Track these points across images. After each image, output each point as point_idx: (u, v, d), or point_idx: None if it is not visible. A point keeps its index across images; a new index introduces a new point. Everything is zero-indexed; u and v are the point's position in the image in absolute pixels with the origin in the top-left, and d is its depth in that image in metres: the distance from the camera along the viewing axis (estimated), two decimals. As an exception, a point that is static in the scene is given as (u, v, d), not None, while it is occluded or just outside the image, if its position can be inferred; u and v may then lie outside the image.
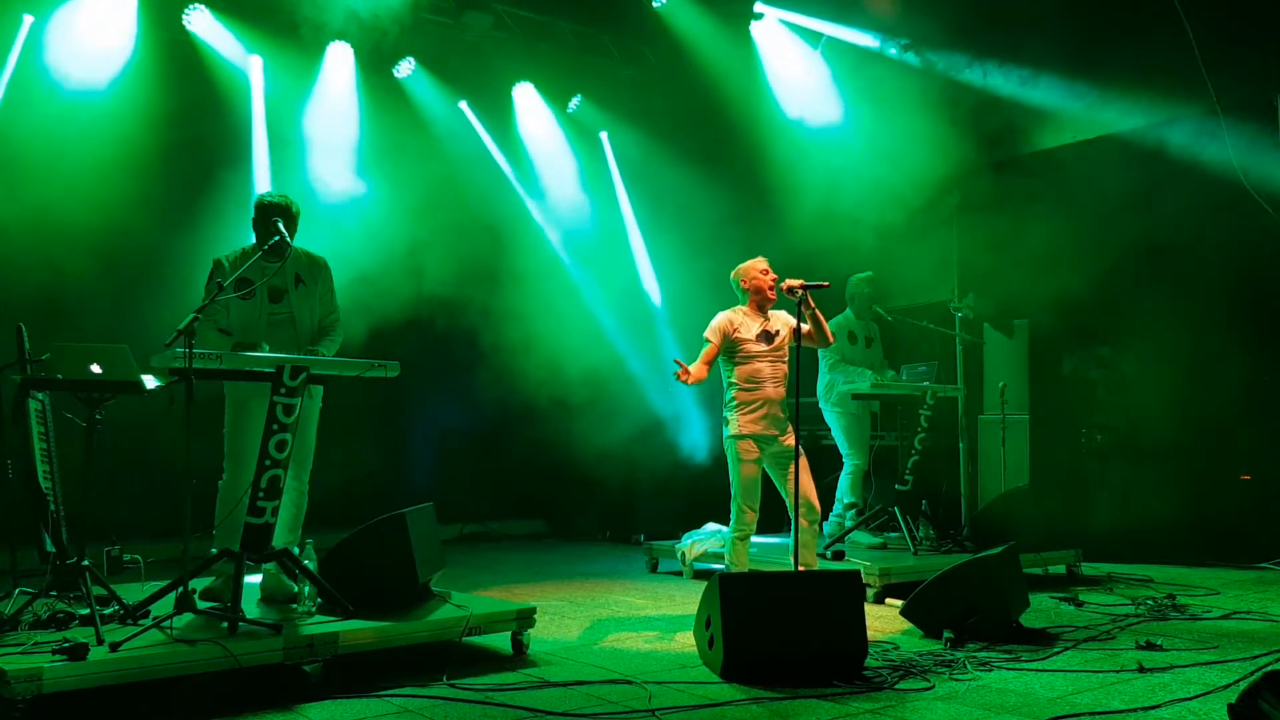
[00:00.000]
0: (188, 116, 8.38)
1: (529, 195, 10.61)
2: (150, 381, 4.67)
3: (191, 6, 8.38)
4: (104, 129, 7.87)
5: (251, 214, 5.13)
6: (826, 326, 5.63)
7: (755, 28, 9.50)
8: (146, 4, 8.29)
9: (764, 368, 5.52)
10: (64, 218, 7.56)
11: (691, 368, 5.39)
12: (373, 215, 8.99)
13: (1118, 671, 4.55)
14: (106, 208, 7.57)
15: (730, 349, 5.55)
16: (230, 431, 5.09)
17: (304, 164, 9.07)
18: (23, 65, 7.93)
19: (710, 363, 5.55)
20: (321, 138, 9.13)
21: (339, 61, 9.20)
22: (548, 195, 10.63)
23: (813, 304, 5.44)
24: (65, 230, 7.60)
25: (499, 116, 10.36)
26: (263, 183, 8.86)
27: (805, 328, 5.51)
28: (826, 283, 5.44)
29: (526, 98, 10.33)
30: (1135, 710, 3.95)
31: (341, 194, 9.08)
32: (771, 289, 5.62)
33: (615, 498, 10.54)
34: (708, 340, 5.57)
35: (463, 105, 10.16)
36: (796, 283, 5.34)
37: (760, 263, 5.69)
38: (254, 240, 5.12)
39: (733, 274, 5.73)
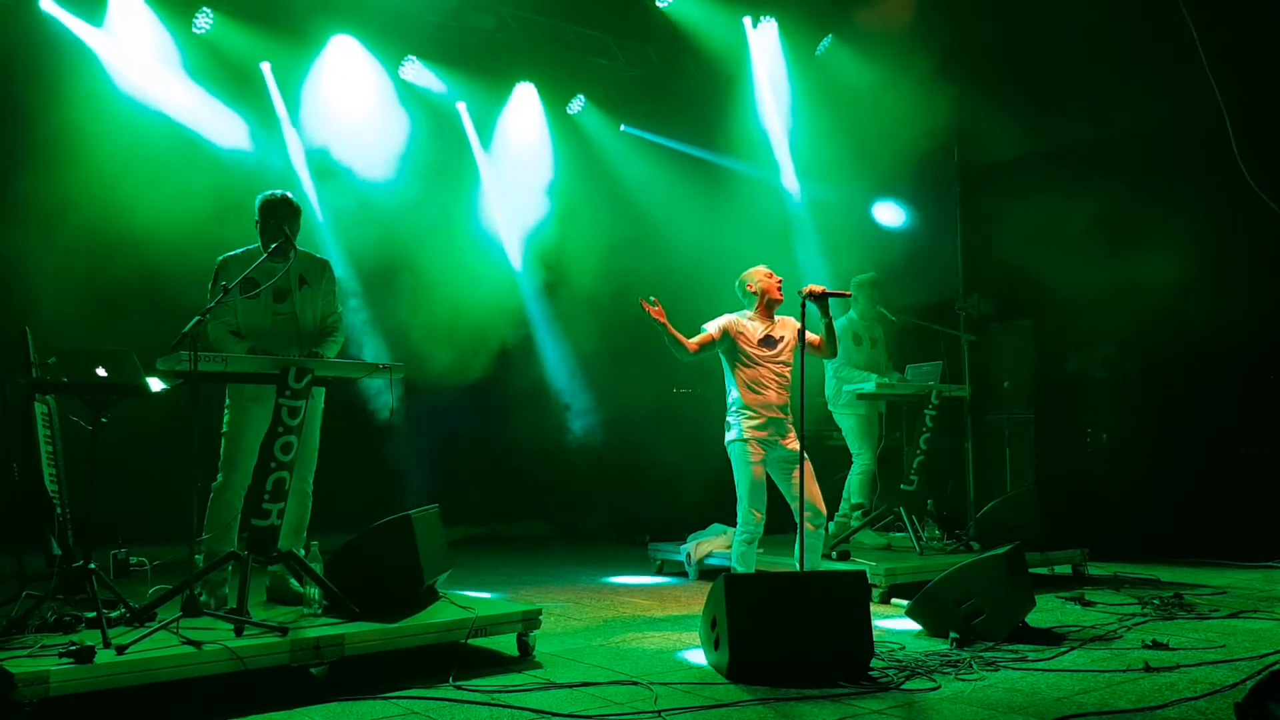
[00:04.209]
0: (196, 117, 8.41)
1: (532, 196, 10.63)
2: (155, 384, 4.68)
3: (200, 11, 8.40)
4: (112, 132, 7.89)
5: (255, 216, 5.10)
6: (836, 338, 5.62)
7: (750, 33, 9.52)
8: (160, 7, 8.34)
9: (767, 373, 5.51)
10: (67, 219, 7.57)
11: (677, 331, 5.37)
12: (375, 215, 9.00)
13: (1124, 671, 4.54)
14: (112, 210, 7.58)
15: (733, 352, 5.54)
16: (229, 434, 5.05)
17: (303, 164, 9.09)
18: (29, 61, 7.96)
19: (700, 346, 5.50)
20: (324, 139, 9.13)
21: (342, 61, 9.20)
22: (549, 196, 10.65)
23: (828, 313, 5.44)
24: (69, 231, 7.62)
25: (499, 117, 10.37)
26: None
27: (815, 337, 5.51)
28: (849, 292, 5.43)
29: (527, 99, 10.34)
30: (1142, 710, 3.95)
31: (345, 193, 9.10)
32: (779, 290, 5.62)
33: (620, 499, 10.54)
34: (704, 329, 5.57)
35: (460, 106, 10.18)
36: (818, 289, 5.34)
37: (764, 268, 5.69)
38: (259, 240, 5.08)
39: (738, 280, 5.73)
